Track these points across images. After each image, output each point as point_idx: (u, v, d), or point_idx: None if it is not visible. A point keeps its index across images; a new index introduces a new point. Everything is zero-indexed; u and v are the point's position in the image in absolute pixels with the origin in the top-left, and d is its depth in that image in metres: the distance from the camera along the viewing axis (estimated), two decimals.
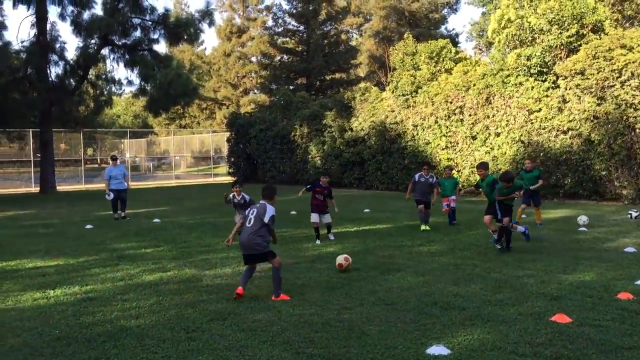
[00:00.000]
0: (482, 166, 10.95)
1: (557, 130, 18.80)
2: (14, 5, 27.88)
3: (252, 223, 7.07)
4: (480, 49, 52.49)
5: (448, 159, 21.98)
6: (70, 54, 49.27)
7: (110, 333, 5.79)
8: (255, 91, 62.59)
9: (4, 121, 28.96)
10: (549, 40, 20.20)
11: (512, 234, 10.13)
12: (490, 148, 20.54)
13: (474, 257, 9.39)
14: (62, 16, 29.38)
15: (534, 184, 13.04)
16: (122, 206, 16.15)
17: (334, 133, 27.20)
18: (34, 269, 9.22)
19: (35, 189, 30.78)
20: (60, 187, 31.17)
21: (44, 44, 28.50)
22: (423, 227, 12.73)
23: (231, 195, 10.97)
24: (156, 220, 15.29)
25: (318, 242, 11.14)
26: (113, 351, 5.28)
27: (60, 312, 6.62)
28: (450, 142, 22.07)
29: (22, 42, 31.98)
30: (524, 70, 19.80)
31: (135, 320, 6.21)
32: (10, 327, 6.09)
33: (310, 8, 47.13)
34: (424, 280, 7.83)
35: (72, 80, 30.67)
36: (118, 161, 16.89)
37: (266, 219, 7.05)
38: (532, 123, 19.42)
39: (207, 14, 30.91)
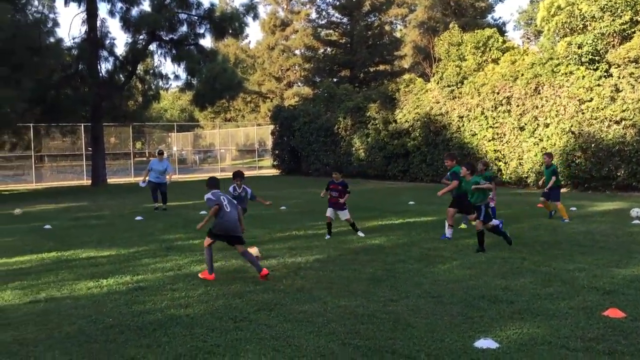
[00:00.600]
0: (449, 156, 10.81)
1: (610, 121, 18.22)
2: (66, 3, 28.72)
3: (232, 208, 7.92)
4: (528, 38, 51.26)
5: (495, 150, 21.58)
6: (120, 49, 50.56)
7: (161, 321, 5.94)
8: (299, 84, 62.78)
9: (57, 116, 29.91)
10: (601, 28, 19.56)
11: (502, 230, 9.73)
12: (539, 139, 20.07)
13: (521, 250, 9.21)
14: (111, 13, 30.11)
15: (549, 179, 12.67)
16: (163, 199, 16.78)
17: (378, 125, 27.05)
18: (87, 259, 9.53)
19: (87, 181, 31.73)
20: (111, 180, 32.02)
21: (94, 40, 29.25)
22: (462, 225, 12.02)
23: (231, 188, 10.67)
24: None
25: (328, 237, 10.98)
26: (164, 339, 5.42)
27: (112, 300, 6.83)
28: (497, 134, 21.67)
29: (73, 38, 32.94)
30: (575, 58, 19.24)
31: (185, 310, 6.35)
32: (65, 314, 6.31)
33: (354, 0, 46.91)
34: (471, 274, 7.73)
35: (121, 76, 31.43)
36: (164, 156, 17.29)
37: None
38: (583, 113, 18.88)
39: (251, 8, 31.14)
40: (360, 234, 11.14)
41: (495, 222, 10.00)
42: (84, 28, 29.71)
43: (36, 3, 27.77)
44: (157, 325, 5.81)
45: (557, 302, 6.28)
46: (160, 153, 17.13)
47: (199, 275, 7.95)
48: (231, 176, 10.85)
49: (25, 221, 14.94)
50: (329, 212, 11.31)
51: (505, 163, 21.36)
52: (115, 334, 5.62)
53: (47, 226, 13.56)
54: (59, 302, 6.81)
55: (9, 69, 22.41)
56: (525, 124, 20.54)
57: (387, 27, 52.29)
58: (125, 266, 8.77)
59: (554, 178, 12.60)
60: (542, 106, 20.04)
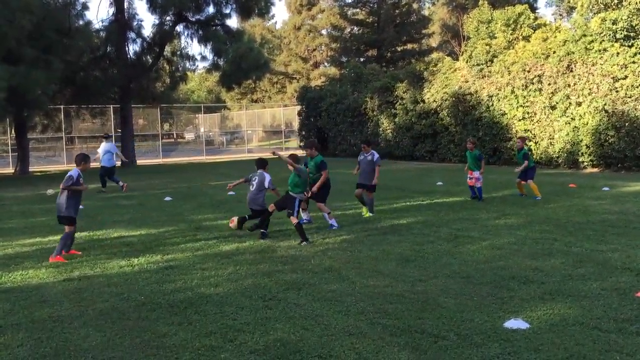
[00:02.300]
0: (308, 145, 10.77)
1: None
2: None
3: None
4: (560, 15, 50.03)
5: (525, 130, 21.22)
6: (147, 31, 50.80)
7: (192, 300, 6.02)
8: (326, 64, 62.47)
9: (86, 98, 30.34)
10: (636, 3, 18.96)
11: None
12: (571, 118, 19.66)
13: (552, 231, 9.08)
14: None
15: (521, 161, 13.02)
16: (106, 181, 17.49)
17: (405, 105, 26.80)
18: (118, 238, 9.69)
19: (116, 162, 32.15)
20: (140, 161, 32.44)
21: (122, 22, 29.46)
22: (365, 213, 11.21)
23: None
24: (231, 192, 15.64)
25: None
26: (195, 317, 5.49)
27: (144, 279, 6.94)
28: (528, 113, 21.29)
29: (101, 21, 33.25)
30: (609, 35, 18.71)
31: (215, 288, 6.42)
32: (98, 292, 6.43)
33: None
34: (501, 254, 7.66)
35: (149, 57, 31.66)
36: (111, 139, 18.49)
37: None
38: (617, 91, 18.41)
39: None
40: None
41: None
42: (112, 10, 29.96)
43: None
44: (188, 304, 5.89)
45: (589, 283, 6.19)
46: (105, 137, 18.11)
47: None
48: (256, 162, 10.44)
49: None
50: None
51: (535, 143, 21.00)
52: (147, 311, 5.72)
53: (81, 206, 13.78)
54: (92, 280, 6.95)
55: (39, 51, 22.73)
56: (557, 103, 20.12)
57: (414, 5, 51.49)
58: (155, 245, 8.90)
59: (525, 162, 12.86)
60: (575, 84, 19.60)
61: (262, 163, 10.07)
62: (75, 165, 8.52)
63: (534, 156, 21.07)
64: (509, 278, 6.47)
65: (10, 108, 21.77)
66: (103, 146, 17.66)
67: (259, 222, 9.43)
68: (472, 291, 6.03)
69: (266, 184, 9.75)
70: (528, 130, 21.18)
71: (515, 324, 5.00)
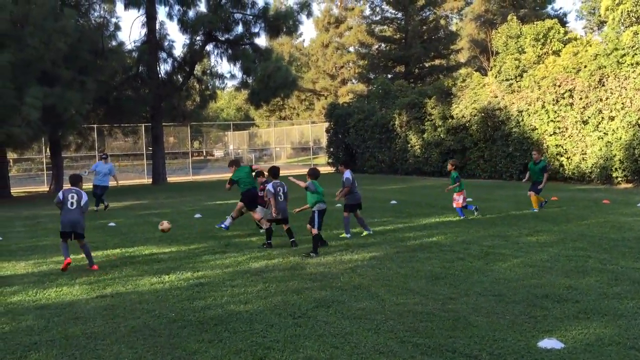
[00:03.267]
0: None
1: None
2: (126, 7, 29.65)
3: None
4: (591, 29, 49.43)
5: (557, 145, 20.93)
6: (178, 51, 51.90)
7: (222, 317, 6.05)
8: (353, 81, 62.68)
9: (119, 117, 30.96)
10: None
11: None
12: (604, 133, 19.32)
13: (587, 248, 8.90)
14: (169, 15, 30.92)
15: (541, 175, 13.48)
16: (97, 201, 17.37)
17: (434, 121, 26.69)
18: (149, 255, 9.81)
19: (147, 180, 32.67)
20: (170, 179, 32.87)
21: (153, 42, 30.08)
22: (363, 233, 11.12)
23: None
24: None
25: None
26: (225, 334, 5.51)
27: (175, 296, 7.00)
28: (559, 128, 21.00)
29: (134, 41, 33.97)
30: None
31: (244, 306, 6.44)
32: (130, 309, 6.51)
33: None
34: (533, 272, 7.53)
35: (179, 76, 32.23)
36: (108, 160, 18.57)
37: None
38: None
39: (305, 6, 31.30)
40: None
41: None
42: (144, 31, 30.62)
43: (98, 8, 28.80)
44: (218, 321, 5.92)
45: (626, 302, 6.04)
46: (104, 157, 18.17)
47: None
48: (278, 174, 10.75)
49: (91, 219, 15.49)
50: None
51: (567, 158, 20.67)
52: (178, 328, 5.76)
53: (112, 224, 14.04)
54: (124, 297, 7.04)
55: (74, 72, 23.33)
56: (589, 118, 19.81)
57: (442, 21, 51.48)
58: (186, 262, 8.98)
59: (546, 175, 13.48)
60: (607, 99, 19.28)
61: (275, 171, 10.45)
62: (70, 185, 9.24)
63: (566, 172, 20.75)
64: (542, 296, 6.35)
65: (45, 127, 22.32)
66: (103, 166, 17.67)
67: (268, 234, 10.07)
68: (505, 310, 5.94)
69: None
70: (559, 145, 20.88)
71: (549, 343, 4.90)
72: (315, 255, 9.01)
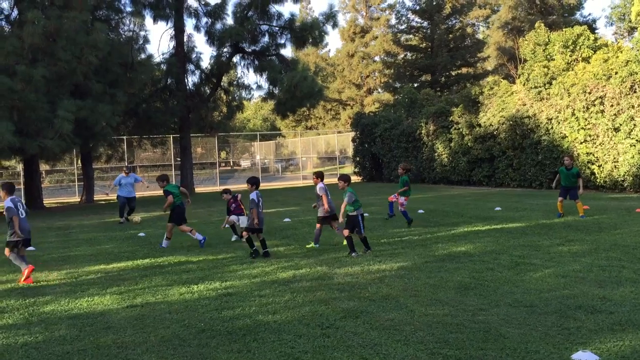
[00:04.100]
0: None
1: None
2: (155, 21, 30.16)
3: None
4: (621, 35, 48.63)
5: (587, 153, 20.58)
6: (205, 63, 52.21)
7: (250, 327, 6.06)
8: (379, 90, 62.63)
9: (148, 128, 31.44)
10: None
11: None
12: (637, 140, 18.93)
13: (620, 258, 8.71)
14: (197, 28, 31.34)
15: (574, 180, 13.69)
16: (130, 211, 17.82)
17: (461, 129, 26.49)
18: (178, 264, 9.90)
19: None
20: (198, 189, 33.17)
21: (181, 55, 30.50)
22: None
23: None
24: (287, 219, 15.78)
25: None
26: (253, 344, 5.52)
27: (203, 306, 7.04)
28: (590, 136, 20.65)
29: (162, 54, 34.48)
30: None
31: (272, 316, 6.45)
32: (160, 319, 6.57)
33: (434, 3, 46.31)
34: (565, 282, 7.39)
35: (207, 88, 32.60)
36: (130, 172, 18.54)
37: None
38: None
39: (330, 16, 31.42)
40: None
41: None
42: (172, 44, 31.05)
43: (128, 22, 29.36)
44: (247, 331, 5.93)
45: None
46: (126, 171, 18.26)
47: None
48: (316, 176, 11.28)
49: (122, 229, 15.73)
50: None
51: (599, 166, 20.30)
52: (207, 338, 5.79)
53: (142, 234, 14.22)
54: (153, 307, 7.10)
55: (105, 85, 23.79)
56: (621, 125, 19.45)
57: (468, 29, 51.21)
58: (214, 272, 9.03)
59: (580, 180, 13.76)
60: (639, 105, 18.92)
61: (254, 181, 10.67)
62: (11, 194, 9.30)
63: (598, 180, 20.39)
64: (575, 307, 6.23)
65: (77, 140, 22.76)
66: (126, 178, 17.87)
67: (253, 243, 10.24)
68: (537, 321, 5.83)
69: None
70: (590, 153, 20.53)
71: (583, 356, 4.79)
72: (357, 255, 9.73)
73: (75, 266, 10.19)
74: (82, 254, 11.59)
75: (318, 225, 11.13)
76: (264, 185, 35.68)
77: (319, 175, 11.33)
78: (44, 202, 27.62)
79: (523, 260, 8.91)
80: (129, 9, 28.72)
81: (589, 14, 55.62)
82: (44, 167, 35.31)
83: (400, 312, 6.39)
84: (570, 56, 23.19)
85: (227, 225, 12.61)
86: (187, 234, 12.19)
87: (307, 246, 11.03)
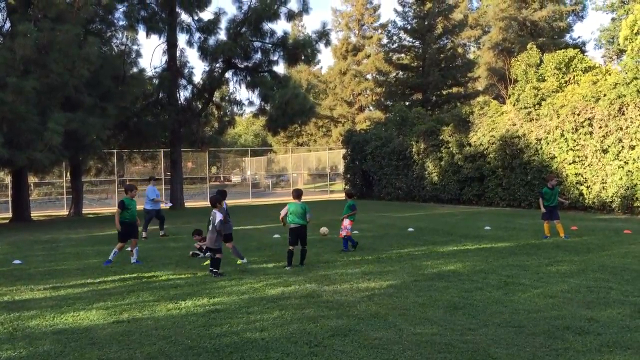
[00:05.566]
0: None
1: None
2: (147, 35, 30.29)
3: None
4: (610, 57, 49.28)
5: (576, 174, 20.74)
6: (197, 77, 52.08)
7: (237, 344, 6.00)
8: (371, 108, 62.92)
9: (138, 142, 31.37)
10: None
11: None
12: (625, 162, 19.12)
13: (608, 279, 8.74)
14: (190, 43, 31.45)
15: (556, 200, 13.80)
16: (162, 223, 17.56)
17: (451, 148, 26.64)
18: (166, 280, 9.81)
19: (165, 205, 32.85)
20: (188, 204, 33.02)
21: (174, 69, 30.57)
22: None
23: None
24: (276, 235, 15.73)
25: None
26: None
27: (191, 322, 6.98)
28: (578, 157, 20.83)
29: (154, 68, 34.55)
30: None
31: (260, 333, 6.40)
32: (146, 335, 6.49)
33: (426, 23, 46.78)
34: (554, 303, 7.39)
35: (198, 103, 32.67)
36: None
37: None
38: None
39: (323, 35, 31.67)
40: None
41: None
42: (165, 58, 31.15)
43: (121, 35, 29.41)
44: (234, 348, 5.87)
45: None
46: (155, 180, 18.09)
47: None
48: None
49: (109, 243, 15.59)
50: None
51: (587, 187, 20.45)
52: (193, 355, 5.73)
53: (129, 248, 14.09)
54: (140, 323, 7.03)
55: (96, 98, 23.75)
56: (609, 146, 19.64)
57: (460, 49, 51.69)
58: (202, 288, 8.96)
59: (560, 199, 13.88)
60: (627, 127, 19.12)
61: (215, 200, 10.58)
62: None
63: (586, 201, 20.52)
64: (564, 328, 6.23)
65: (66, 152, 22.65)
66: (155, 189, 17.68)
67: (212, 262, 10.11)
68: (525, 342, 5.82)
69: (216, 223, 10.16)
70: (579, 174, 20.69)
71: None
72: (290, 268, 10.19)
73: (61, 280, 10.08)
74: (69, 268, 11.47)
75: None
76: (254, 201, 35.64)
77: (222, 194, 11.18)
78: (32, 214, 27.39)
79: (512, 280, 8.92)
80: (122, 22, 28.81)
81: (579, 37, 56.27)
82: (32, 179, 35.06)
83: (389, 330, 6.36)
84: (562, 78, 23.46)
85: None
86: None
87: (238, 262, 11.22)
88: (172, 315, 7.34)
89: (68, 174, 32.78)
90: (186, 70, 32.31)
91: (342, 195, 37.07)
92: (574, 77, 23.08)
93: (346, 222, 12.79)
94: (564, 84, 23.21)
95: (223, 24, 31.59)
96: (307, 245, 10.87)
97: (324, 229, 14.98)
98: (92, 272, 10.78)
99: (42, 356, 5.85)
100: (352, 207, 13.05)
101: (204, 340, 6.21)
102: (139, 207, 13.58)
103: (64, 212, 31.01)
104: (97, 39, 24.40)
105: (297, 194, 11.06)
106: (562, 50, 24.88)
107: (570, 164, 21.06)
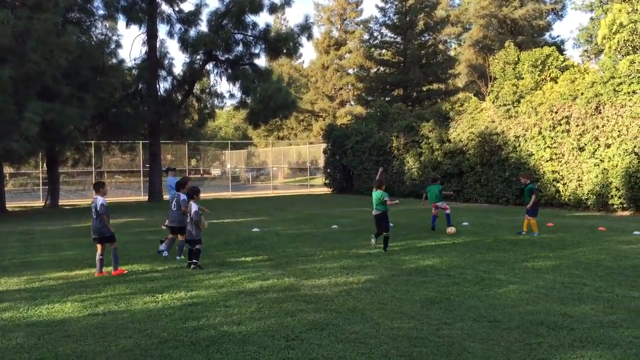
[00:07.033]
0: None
1: None
2: (127, 25, 29.80)
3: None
4: (588, 57, 49.93)
5: (553, 171, 21.00)
6: (177, 69, 51.98)
7: (214, 338, 5.99)
8: (352, 103, 62.99)
9: (117, 134, 31.00)
10: None
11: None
12: (600, 160, 19.41)
13: (582, 275, 8.87)
14: (170, 34, 31.15)
15: (529, 198, 13.87)
16: None
17: (431, 144, 26.80)
18: (143, 273, 9.74)
19: (144, 197, 32.60)
20: (167, 196, 32.74)
21: (154, 60, 30.23)
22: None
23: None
24: (255, 229, 15.70)
25: None
26: (217, 356, 5.46)
27: (167, 315, 6.94)
28: (556, 154, 21.09)
29: (134, 59, 34.18)
30: (638, 77, 18.59)
31: (237, 327, 6.39)
32: (122, 328, 6.45)
33: (407, 19, 46.92)
34: (529, 298, 7.49)
35: (178, 95, 32.33)
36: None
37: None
38: None
39: (305, 28, 31.53)
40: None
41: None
42: (145, 49, 30.77)
43: (100, 25, 29.00)
44: (210, 342, 5.86)
45: (621, 331, 6.00)
46: (174, 171, 17.35)
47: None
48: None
49: (86, 235, 15.42)
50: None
51: (564, 184, 20.73)
52: (169, 348, 5.70)
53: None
54: (116, 316, 6.97)
55: (74, 88, 23.40)
56: (585, 145, 19.92)
57: (441, 46, 51.97)
58: (179, 281, 8.91)
59: (533, 197, 13.82)
60: (604, 126, 19.41)
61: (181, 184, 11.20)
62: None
63: (563, 198, 20.80)
64: (538, 323, 6.32)
65: (42, 142, 22.31)
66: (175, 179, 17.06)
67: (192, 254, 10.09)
68: (500, 336, 5.90)
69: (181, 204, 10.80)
70: (556, 171, 20.96)
71: None
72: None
73: (36, 272, 9.95)
74: (44, 260, 11.33)
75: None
76: (234, 194, 35.52)
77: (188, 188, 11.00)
78: (7, 205, 26.96)
79: (488, 275, 9.01)
80: (101, 12, 28.41)
81: (558, 36, 56.96)
82: (7, 169, 34.50)
83: (366, 325, 6.39)
84: (538, 75, 23.71)
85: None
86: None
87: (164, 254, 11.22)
88: (148, 309, 7.29)
89: (44, 164, 32.32)
90: (166, 62, 32.00)
91: (322, 190, 37.14)
92: (549, 75, 23.33)
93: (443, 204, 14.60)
94: (540, 82, 23.46)
95: (204, 15, 31.34)
96: (389, 231, 11.83)
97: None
98: (68, 264, 10.65)
99: (14, 349, 5.77)
100: (441, 191, 14.94)
101: (181, 333, 6.18)
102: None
103: (40, 203, 30.59)
104: (75, 28, 24.04)
105: (379, 183, 12.01)
106: (539, 48, 25.14)
107: (547, 161, 21.32)
